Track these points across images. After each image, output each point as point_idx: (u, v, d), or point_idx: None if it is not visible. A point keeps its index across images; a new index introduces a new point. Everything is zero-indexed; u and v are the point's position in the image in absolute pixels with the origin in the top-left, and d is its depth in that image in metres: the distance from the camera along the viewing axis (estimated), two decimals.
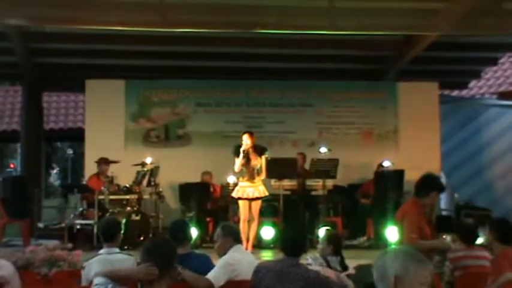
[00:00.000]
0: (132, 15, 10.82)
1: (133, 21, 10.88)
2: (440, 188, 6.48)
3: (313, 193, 12.91)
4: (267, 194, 11.26)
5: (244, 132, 11.27)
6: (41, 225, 13.72)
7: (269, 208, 12.70)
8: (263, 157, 11.18)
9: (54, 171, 41.59)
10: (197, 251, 7.11)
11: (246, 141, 11.01)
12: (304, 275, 5.22)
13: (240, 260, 6.13)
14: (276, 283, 5.19)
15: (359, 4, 11.10)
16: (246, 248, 10.84)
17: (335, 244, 6.90)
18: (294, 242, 5.48)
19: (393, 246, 3.19)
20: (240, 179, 11.21)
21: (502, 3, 10.12)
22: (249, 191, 11.06)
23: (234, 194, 11.25)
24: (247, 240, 11.13)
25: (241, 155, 10.86)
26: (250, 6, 11.00)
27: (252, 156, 11.05)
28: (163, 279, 3.97)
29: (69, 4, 10.80)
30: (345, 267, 6.88)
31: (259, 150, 11.17)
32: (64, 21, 11.15)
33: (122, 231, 7.00)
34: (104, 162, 12.69)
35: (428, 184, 6.44)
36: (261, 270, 5.38)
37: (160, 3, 9.89)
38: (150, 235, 11.40)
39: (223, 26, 11.18)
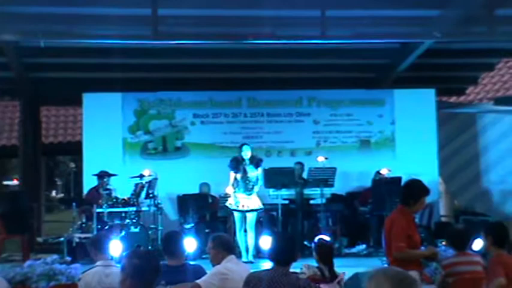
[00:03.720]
0: (126, 29, 10.92)
1: (127, 35, 10.98)
2: (426, 191, 6.45)
3: (312, 202, 12.92)
4: (261, 206, 11.45)
5: (244, 144, 11.49)
6: (40, 239, 13.71)
7: (268, 218, 12.74)
8: (259, 169, 11.31)
9: (58, 185, 41.63)
10: (192, 262, 7.10)
11: (247, 153, 11.21)
12: (294, 284, 5.23)
13: (233, 270, 6.14)
14: None
15: (352, 13, 11.18)
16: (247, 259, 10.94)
17: (320, 253, 6.88)
18: (282, 251, 5.49)
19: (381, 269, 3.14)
20: (236, 189, 11.32)
21: (494, 10, 10.18)
22: (245, 202, 11.23)
23: (229, 205, 11.42)
24: (247, 251, 11.20)
25: (241, 169, 11.11)
26: (243, 17, 11.08)
27: (249, 168, 11.22)
28: None
29: (63, 19, 10.89)
30: (334, 276, 6.87)
31: (255, 162, 11.29)
32: (58, 36, 11.24)
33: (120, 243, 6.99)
34: (102, 175, 12.71)
35: (415, 191, 6.42)
36: (251, 280, 5.39)
37: (153, 16, 9.94)
38: (149, 247, 11.41)
39: (216, 37, 11.27)
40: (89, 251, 6.86)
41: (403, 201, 6.44)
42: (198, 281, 5.96)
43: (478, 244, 10.09)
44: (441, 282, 6.81)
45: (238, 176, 11.26)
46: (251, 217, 11.31)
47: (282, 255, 5.45)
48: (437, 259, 6.68)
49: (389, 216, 6.56)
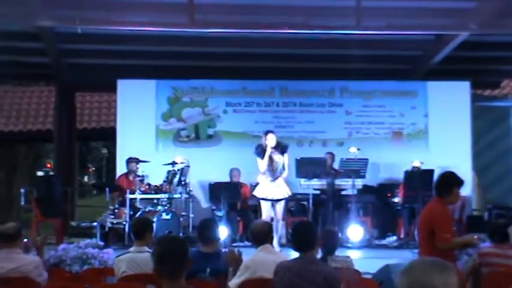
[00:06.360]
0: (162, 16, 10.98)
1: (163, 22, 11.04)
2: (460, 182, 6.43)
3: (343, 193, 12.92)
4: (290, 193, 11.17)
5: (269, 132, 11.19)
6: (73, 223, 13.89)
7: (298, 207, 12.77)
8: (285, 155, 11.08)
9: (90, 170, 41.96)
10: (225, 250, 7.14)
11: (272, 140, 10.93)
12: (323, 271, 5.27)
13: (262, 260, 6.04)
14: (296, 281, 5.24)
15: (387, 4, 11.14)
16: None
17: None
18: (299, 236, 5.50)
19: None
20: (263, 178, 11.04)
21: None
22: (273, 192, 10.94)
23: (256, 194, 11.14)
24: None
25: (267, 155, 10.87)
26: (278, 7, 11.09)
27: (275, 155, 10.94)
28: (179, 278, 3.93)
29: (100, 6, 10.99)
30: None
31: (281, 148, 11.05)
32: (95, 22, 11.34)
33: (153, 231, 7.05)
34: (133, 161, 12.81)
35: (448, 182, 6.40)
36: (280, 270, 5.40)
37: (190, 4, 9.99)
38: (181, 234, 11.48)
39: (251, 26, 11.28)
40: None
41: (436, 192, 6.43)
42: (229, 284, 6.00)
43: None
44: (472, 267, 6.81)
45: (265, 163, 10.90)
46: (279, 206, 11.03)
47: (300, 240, 5.45)
48: (477, 245, 6.70)
49: (428, 208, 6.50)
